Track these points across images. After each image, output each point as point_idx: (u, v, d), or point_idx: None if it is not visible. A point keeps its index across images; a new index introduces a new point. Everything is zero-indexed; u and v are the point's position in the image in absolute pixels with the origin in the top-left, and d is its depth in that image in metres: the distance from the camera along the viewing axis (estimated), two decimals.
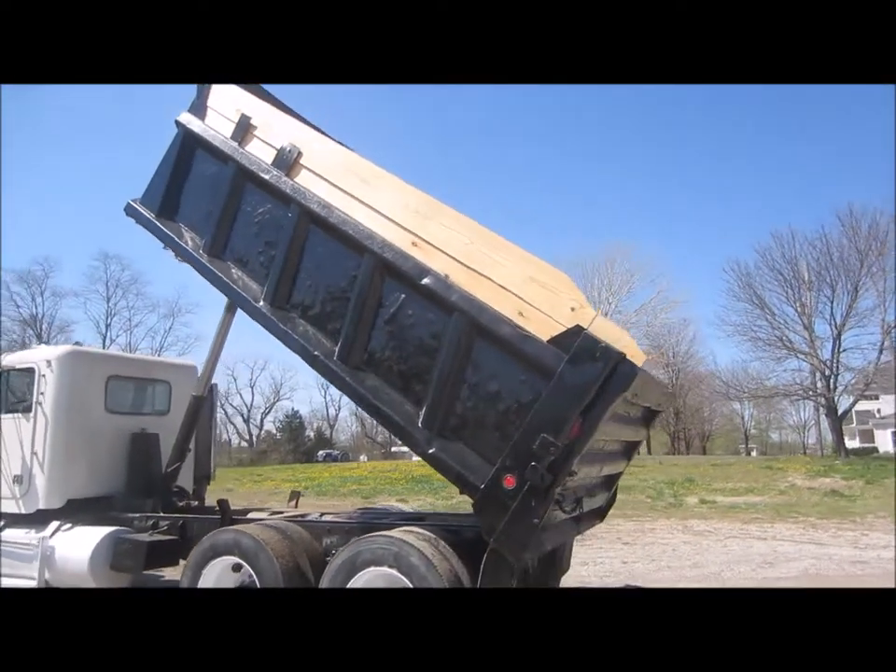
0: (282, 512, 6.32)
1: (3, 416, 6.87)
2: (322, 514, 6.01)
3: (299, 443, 59.08)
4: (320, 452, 53.03)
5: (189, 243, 5.62)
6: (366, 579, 4.34)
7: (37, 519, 6.35)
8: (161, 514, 6.22)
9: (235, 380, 60.30)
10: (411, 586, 4.14)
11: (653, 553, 10.80)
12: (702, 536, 12.53)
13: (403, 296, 4.56)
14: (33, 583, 6.02)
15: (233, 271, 5.40)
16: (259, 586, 4.72)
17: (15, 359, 7.17)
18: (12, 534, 6.38)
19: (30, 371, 6.75)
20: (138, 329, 52.72)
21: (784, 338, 33.01)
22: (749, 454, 56.15)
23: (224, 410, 56.77)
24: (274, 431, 63.39)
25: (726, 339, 43.25)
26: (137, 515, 6.22)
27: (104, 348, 40.37)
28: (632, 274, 42.18)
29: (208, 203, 5.61)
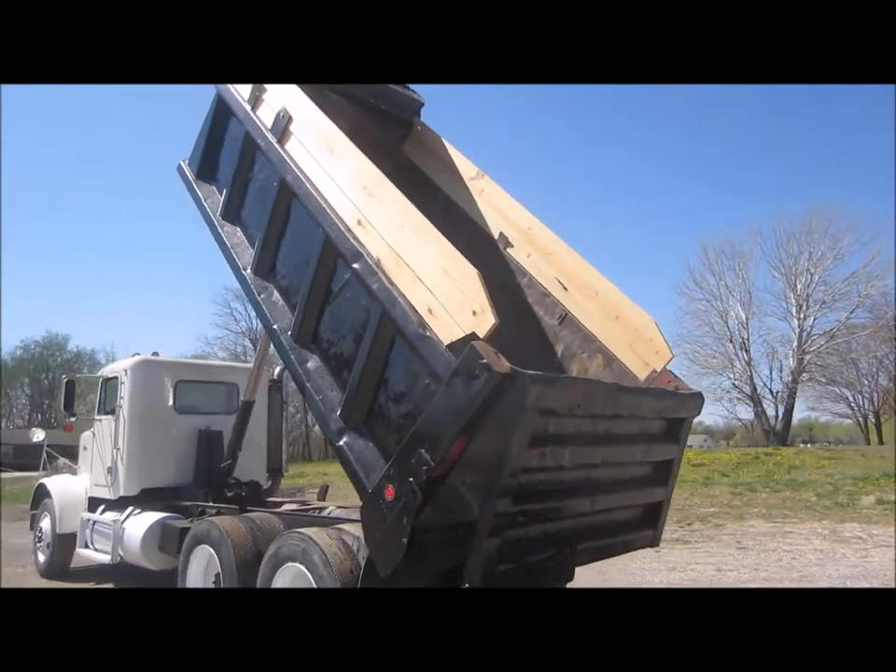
0: (306, 503, 6.74)
1: (102, 417, 8.12)
2: (337, 508, 6.26)
3: None
4: None
5: (211, 205, 5.86)
6: (287, 574, 4.45)
7: (123, 504, 7.44)
8: (209, 504, 6.89)
9: None
10: (314, 584, 4.14)
11: (765, 560, 9.51)
12: (845, 543, 10.68)
13: (346, 276, 4.35)
14: (107, 558, 7.19)
15: (237, 235, 5.55)
16: (221, 572, 5.09)
17: (109, 369, 8.46)
18: (105, 516, 7.56)
19: (116, 378, 7.91)
20: None
21: None
22: None
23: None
24: None
25: None
26: (191, 504, 6.98)
27: None
28: (837, 238, 36.07)
29: (227, 166, 5.77)
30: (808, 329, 39.20)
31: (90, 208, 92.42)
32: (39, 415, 64.46)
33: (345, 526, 4.56)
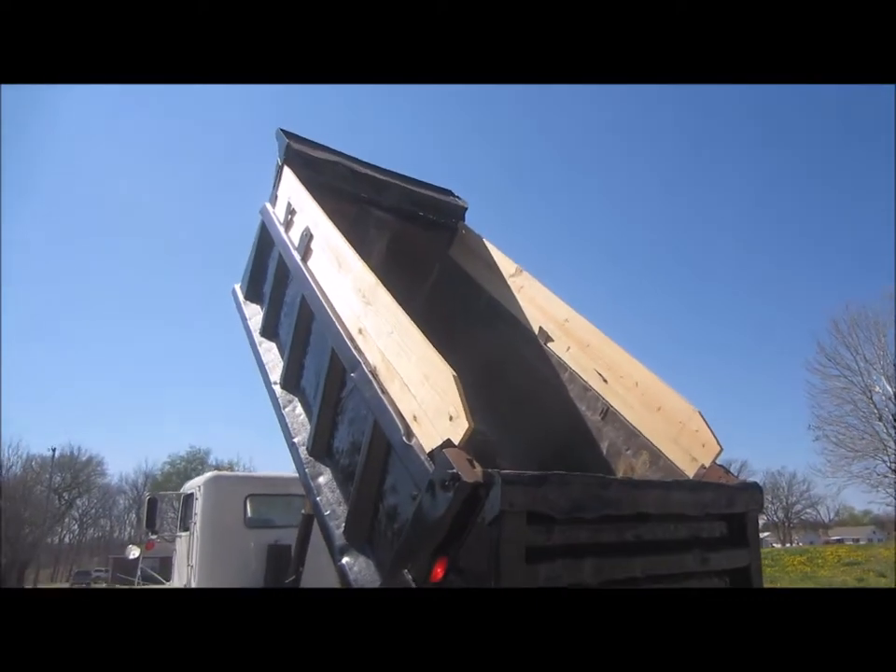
0: None
1: (182, 534, 8.34)
2: None
3: None
4: None
5: (254, 324, 6.14)
6: None
7: None
8: None
9: None
10: None
11: None
12: None
13: (350, 387, 4.31)
14: None
15: (272, 352, 5.73)
16: None
17: (188, 486, 8.69)
18: None
19: (192, 495, 8.13)
20: None
21: None
22: None
23: None
24: None
25: None
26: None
27: None
28: None
29: (267, 286, 6.07)
30: None
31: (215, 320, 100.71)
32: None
33: None
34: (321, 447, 4.54)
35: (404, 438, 3.53)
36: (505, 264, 6.56)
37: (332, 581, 7.72)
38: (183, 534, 8.27)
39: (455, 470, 3.04)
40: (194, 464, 68.13)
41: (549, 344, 5.86)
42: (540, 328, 5.97)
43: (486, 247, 6.85)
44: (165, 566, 11.22)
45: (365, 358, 4.11)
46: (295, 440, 4.79)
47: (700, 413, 4.62)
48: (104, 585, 43.60)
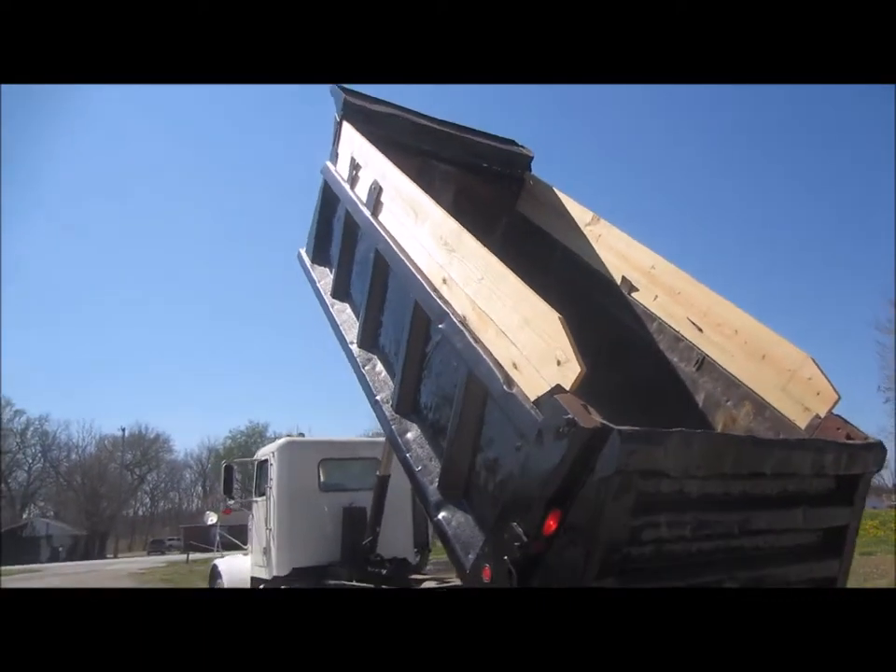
0: (446, 581, 6.44)
1: (258, 499, 8.43)
2: None
3: None
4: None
5: (323, 286, 6.00)
6: None
7: (277, 584, 7.54)
8: (352, 583, 6.82)
9: None
10: None
11: None
12: None
13: (437, 339, 4.12)
14: None
15: (345, 312, 5.58)
16: None
17: (262, 452, 8.74)
18: None
19: (266, 461, 8.18)
20: None
21: None
22: None
23: None
24: None
25: None
26: (336, 584, 6.95)
27: None
28: None
29: (335, 246, 5.91)
30: None
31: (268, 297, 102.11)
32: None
33: None
34: (407, 403, 4.38)
35: (504, 386, 3.32)
36: (579, 213, 6.20)
37: (406, 542, 7.79)
38: (259, 499, 8.35)
39: (570, 416, 2.82)
40: (254, 437, 70.11)
41: (633, 294, 5.52)
42: (623, 277, 5.63)
43: (557, 196, 6.50)
44: (234, 534, 11.46)
45: (453, 308, 3.90)
46: (378, 397, 4.65)
47: (814, 359, 4.26)
48: (177, 553, 45.63)
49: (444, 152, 6.49)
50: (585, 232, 6.09)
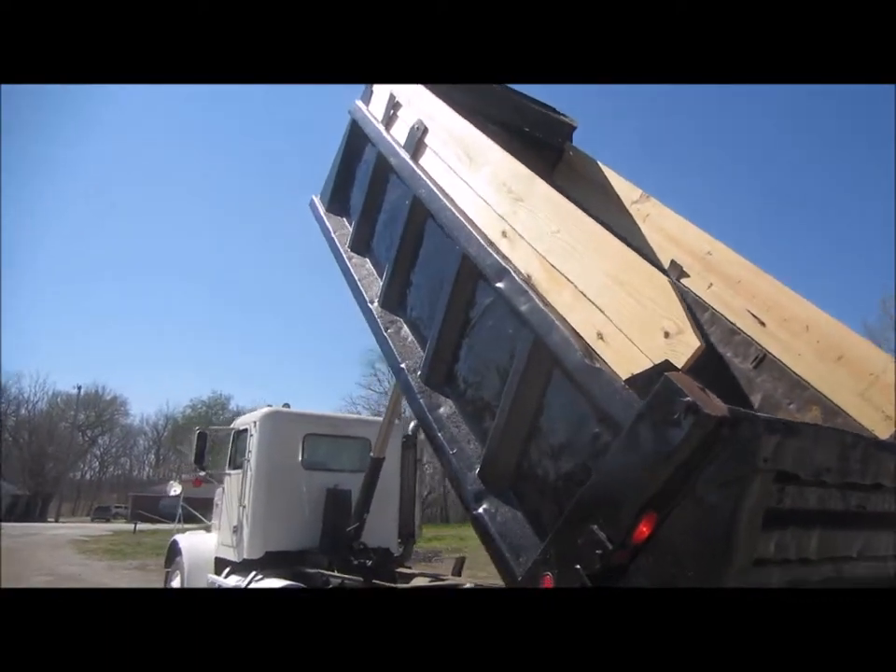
0: (439, 578, 5.85)
1: (231, 472, 7.69)
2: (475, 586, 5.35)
3: None
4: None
5: (340, 237, 5.36)
6: None
7: (247, 568, 6.86)
8: (333, 573, 6.19)
9: None
10: None
11: None
12: None
13: (488, 301, 3.53)
14: None
15: (365, 267, 4.96)
16: None
17: (241, 421, 7.99)
18: (230, 580, 7.05)
19: (246, 431, 7.43)
20: None
21: None
22: None
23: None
24: None
25: None
26: (314, 572, 6.31)
27: None
28: None
29: (358, 194, 5.27)
30: None
31: (238, 270, 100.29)
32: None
33: None
34: (440, 374, 3.78)
35: (585, 359, 2.75)
36: (626, 189, 5.65)
37: (392, 531, 7.21)
38: (233, 472, 7.64)
39: (690, 398, 2.26)
40: (215, 409, 68.65)
41: (682, 280, 5.00)
42: (672, 261, 5.09)
43: (601, 171, 5.94)
44: (194, 507, 10.69)
45: (514, 266, 3.31)
46: (402, 365, 4.03)
47: None
48: (123, 522, 44.37)
49: (496, 112, 5.86)
50: (631, 211, 5.54)
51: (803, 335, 4.24)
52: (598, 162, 5.99)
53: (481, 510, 3.16)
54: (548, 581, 2.65)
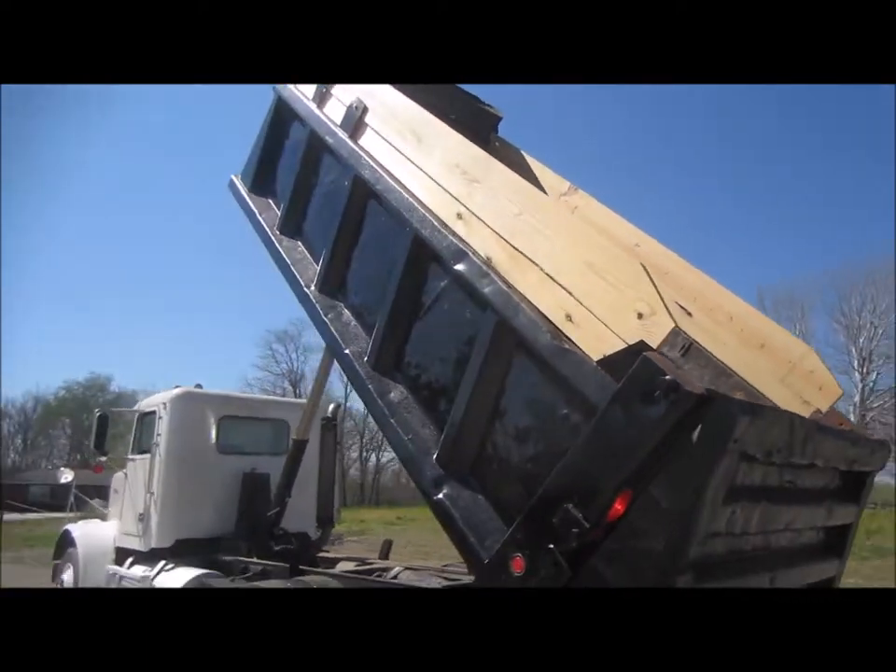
0: (366, 562, 5.72)
1: (136, 457, 7.18)
2: (406, 569, 5.22)
3: None
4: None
5: (267, 219, 5.09)
6: None
7: (154, 557, 6.45)
8: (253, 560, 5.92)
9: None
10: None
11: None
12: None
13: (442, 284, 3.45)
14: None
15: (298, 250, 4.73)
16: None
17: (147, 403, 7.47)
18: (133, 570, 6.63)
19: (153, 413, 6.95)
20: None
21: None
22: None
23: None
24: None
25: None
26: (231, 559, 6.01)
27: None
28: None
29: (287, 175, 5.03)
30: (871, 384, 37.11)
31: (128, 247, 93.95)
32: (79, 455, 63.60)
33: None
34: (390, 358, 3.66)
35: (555, 341, 2.74)
36: (554, 181, 5.73)
37: (310, 516, 6.96)
38: (139, 457, 7.10)
39: (670, 377, 2.29)
40: (93, 390, 63.87)
41: None
42: None
43: (528, 163, 6.00)
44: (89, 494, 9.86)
45: (472, 248, 3.26)
46: (347, 351, 3.88)
47: (817, 351, 4.08)
48: None
49: (424, 96, 5.76)
50: (560, 203, 5.64)
51: (727, 324, 4.47)
52: (525, 154, 6.05)
53: (441, 495, 3.09)
54: (518, 562, 2.62)
